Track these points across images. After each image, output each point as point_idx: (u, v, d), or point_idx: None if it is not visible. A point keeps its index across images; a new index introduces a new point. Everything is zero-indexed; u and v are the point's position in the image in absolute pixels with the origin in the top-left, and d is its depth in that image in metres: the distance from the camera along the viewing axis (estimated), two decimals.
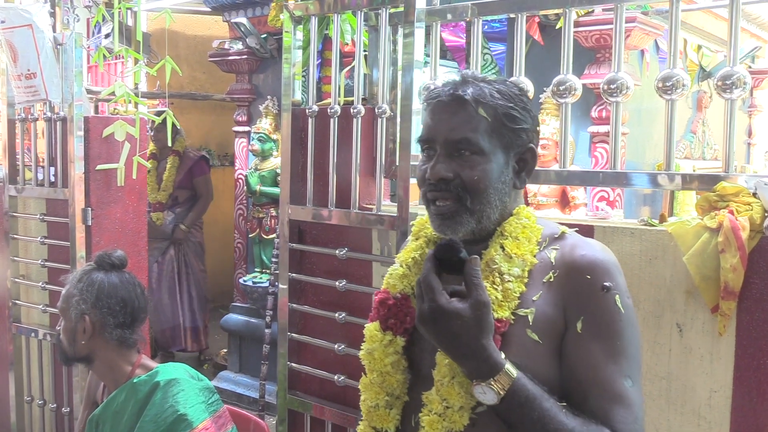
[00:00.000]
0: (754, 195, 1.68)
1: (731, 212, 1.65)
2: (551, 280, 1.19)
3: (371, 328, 1.29)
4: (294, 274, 2.54)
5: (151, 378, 1.84)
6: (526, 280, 1.19)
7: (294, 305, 2.54)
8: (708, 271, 1.66)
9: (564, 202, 4.01)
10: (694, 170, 4.19)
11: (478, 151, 1.19)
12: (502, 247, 1.21)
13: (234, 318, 5.15)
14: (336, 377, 2.42)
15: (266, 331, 3.94)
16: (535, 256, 1.22)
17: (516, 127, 1.22)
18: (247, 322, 5.03)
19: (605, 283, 1.16)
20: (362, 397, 1.29)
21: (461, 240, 1.20)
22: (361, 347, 1.31)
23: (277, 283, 2.77)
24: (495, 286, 1.17)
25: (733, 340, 1.68)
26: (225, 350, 5.35)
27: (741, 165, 5.36)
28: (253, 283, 4.85)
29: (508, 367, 1.09)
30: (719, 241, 1.63)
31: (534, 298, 1.18)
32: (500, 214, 1.24)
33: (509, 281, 1.18)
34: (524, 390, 1.08)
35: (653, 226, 1.81)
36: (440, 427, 1.17)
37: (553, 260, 1.20)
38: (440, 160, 1.20)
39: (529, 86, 2.05)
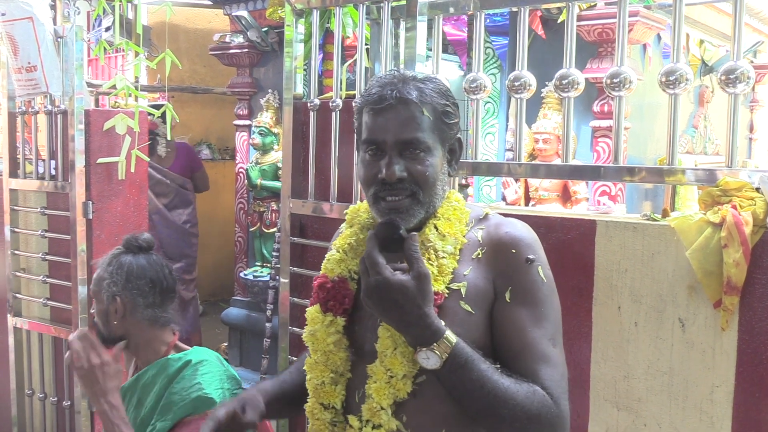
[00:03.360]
0: (758, 190, 1.67)
1: (734, 207, 1.65)
2: (480, 256, 1.30)
3: (312, 311, 1.37)
4: (295, 268, 2.54)
5: (184, 356, 1.89)
6: (457, 257, 1.29)
7: (295, 299, 2.54)
8: (711, 266, 1.65)
9: (566, 196, 4.01)
10: (696, 165, 4.18)
11: (425, 149, 1.28)
12: (436, 227, 1.31)
13: (234, 312, 5.15)
14: None
15: (267, 325, 3.95)
16: (464, 236, 1.32)
17: (450, 122, 1.32)
18: (247, 315, 5.03)
19: (529, 256, 1.27)
20: (308, 377, 1.38)
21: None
22: (304, 330, 1.38)
23: (278, 277, 2.76)
24: (430, 263, 1.26)
25: (735, 335, 1.67)
26: (225, 344, 5.35)
27: (743, 160, 5.36)
28: (254, 277, 4.85)
29: (448, 333, 1.19)
30: (722, 236, 1.63)
31: (465, 273, 1.28)
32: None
33: (443, 257, 1.28)
34: (464, 353, 1.18)
35: (656, 221, 1.80)
36: (387, 394, 1.25)
37: (480, 239, 1.31)
38: (394, 161, 1.28)
39: (531, 80, 2.04)
